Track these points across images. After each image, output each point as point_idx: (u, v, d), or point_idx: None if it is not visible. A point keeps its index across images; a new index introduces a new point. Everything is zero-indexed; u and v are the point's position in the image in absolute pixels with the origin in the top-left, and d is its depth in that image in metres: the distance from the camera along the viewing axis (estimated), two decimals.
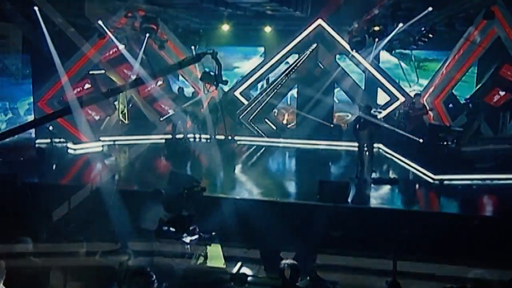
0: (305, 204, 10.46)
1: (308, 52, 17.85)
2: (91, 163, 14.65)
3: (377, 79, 17.85)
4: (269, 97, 17.94)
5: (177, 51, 18.01)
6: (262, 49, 20.65)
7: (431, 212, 10.56)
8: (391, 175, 13.67)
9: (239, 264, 7.65)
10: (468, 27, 15.77)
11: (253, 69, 18.98)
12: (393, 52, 17.83)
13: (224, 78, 6.51)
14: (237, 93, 18.43)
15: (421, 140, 14.39)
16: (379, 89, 18.43)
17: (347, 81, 18.37)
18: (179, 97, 17.48)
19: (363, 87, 18.63)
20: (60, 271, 6.01)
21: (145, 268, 6.02)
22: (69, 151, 15.72)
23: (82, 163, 14.74)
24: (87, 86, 17.29)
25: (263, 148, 17.12)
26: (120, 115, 19.05)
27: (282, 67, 18.93)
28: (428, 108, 16.37)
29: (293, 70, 18.04)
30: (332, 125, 18.53)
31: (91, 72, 17.27)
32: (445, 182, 12.32)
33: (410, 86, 20.25)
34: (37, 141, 15.76)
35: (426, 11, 13.69)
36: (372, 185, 12.26)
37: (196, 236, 7.86)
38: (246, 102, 18.49)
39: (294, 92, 19.78)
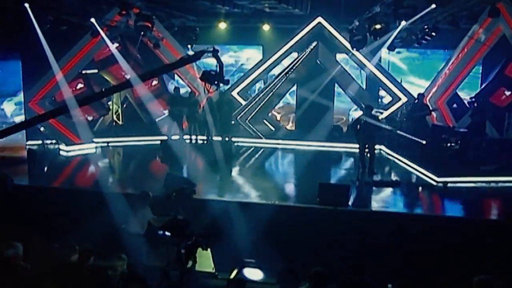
0: (304, 207, 10.43)
1: (307, 51, 17.86)
2: (84, 165, 14.64)
3: (378, 78, 17.86)
4: (268, 97, 17.94)
5: (172, 50, 18.00)
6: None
7: (434, 215, 10.54)
8: (393, 177, 13.65)
9: (235, 270, 7.62)
10: (472, 25, 15.77)
11: (251, 69, 18.98)
12: (395, 50, 17.79)
13: (225, 78, 6.43)
14: (234, 93, 18.42)
15: (424, 142, 14.40)
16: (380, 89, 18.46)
17: (348, 80, 18.38)
18: (175, 97, 17.46)
19: (364, 87, 18.63)
20: (51, 277, 5.99)
21: (140, 273, 6.04)
22: (61, 153, 15.70)
23: (74, 165, 14.72)
24: (79, 86, 17.29)
25: (261, 150, 17.12)
26: (114, 116, 19.04)
27: (281, 66, 18.95)
28: (431, 108, 16.37)
29: (292, 69, 18.05)
30: (332, 126, 18.55)
31: (83, 72, 17.26)
32: (449, 184, 12.32)
33: None
34: (28, 142, 15.74)
35: (429, 9, 13.69)
36: (374, 188, 12.25)
37: (192, 240, 7.83)
38: (243, 102, 18.49)
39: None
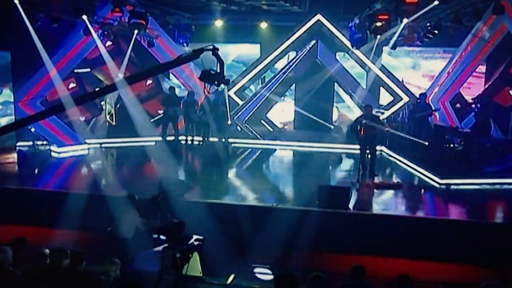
0: (303, 210, 10.41)
1: (306, 49, 17.86)
2: (76, 167, 14.61)
3: (379, 77, 17.87)
4: (265, 97, 17.93)
5: (167, 49, 17.98)
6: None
7: (437, 218, 10.53)
8: (395, 179, 13.64)
9: (232, 275, 7.62)
10: (476, 23, 15.78)
11: (248, 67, 18.97)
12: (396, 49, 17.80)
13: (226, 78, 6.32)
14: (231, 93, 18.41)
15: (426, 143, 14.40)
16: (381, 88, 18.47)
17: (348, 80, 18.39)
18: (170, 97, 17.44)
19: (364, 86, 18.65)
20: (42, 282, 5.97)
21: (134, 279, 6.01)
22: (53, 154, 15.65)
23: (66, 167, 14.69)
24: (71, 85, 17.24)
25: (259, 151, 17.11)
26: (107, 116, 19.00)
27: (279, 65, 18.95)
28: (433, 108, 16.38)
29: (291, 68, 18.05)
30: (332, 126, 18.56)
31: (76, 71, 17.22)
32: (452, 186, 12.33)
33: None
34: (18, 143, 15.70)
35: (431, 5, 13.69)
36: (375, 190, 12.25)
37: (187, 244, 7.81)
38: (240, 102, 18.48)
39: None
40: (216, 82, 6.01)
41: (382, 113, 17.33)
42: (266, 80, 19.43)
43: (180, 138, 17.28)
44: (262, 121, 18.59)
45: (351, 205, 10.67)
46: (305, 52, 17.84)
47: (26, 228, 9.98)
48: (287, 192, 12.77)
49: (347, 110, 20.53)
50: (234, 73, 20.03)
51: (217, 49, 5.98)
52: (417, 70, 20.66)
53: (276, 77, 18.42)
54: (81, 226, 9.87)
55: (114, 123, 19.01)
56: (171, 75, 20.26)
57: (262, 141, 17.64)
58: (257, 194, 11.86)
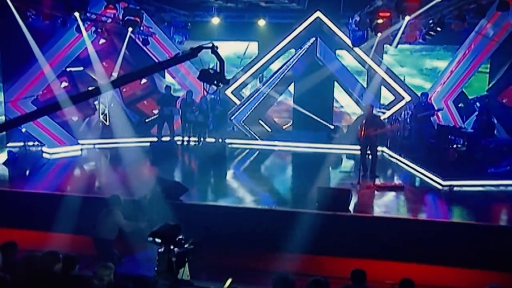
0: (302, 212, 10.40)
1: (305, 47, 17.87)
2: (69, 169, 14.58)
3: (380, 76, 17.88)
4: (263, 96, 17.93)
5: (163, 47, 17.97)
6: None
7: (439, 221, 10.52)
8: (396, 181, 13.66)
9: (229, 279, 7.60)
10: (480, 20, 15.77)
11: (246, 66, 18.97)
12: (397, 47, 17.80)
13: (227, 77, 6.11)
14: (228, 92, 18.40)
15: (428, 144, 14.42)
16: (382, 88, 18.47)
17: (348, 78, 18.39)
18: (166, 97, 17.42)
19: (365, 85, 18.66)
20: None
21: (128, 284, 5.99)
22: (44, 155, 15.62)
23: (58, 169, 14.66)
24: (64, 84, 17.22)
25: (257, 152, 17.11)
26: (101, 116, 18.97)
27: (278, 63, 18.95)
28: (436, 108, 16.38)
29: (290, 66, 18.05)
30: (332, 127, 18.56)
31: (68, 69, 17.20)
32: (455, 188, 12.32)
33: None
34: (9, 144, 15.66)
35: (434, 2, 13.68)
36: (376, 192, 12.25)
37: (183, 248, 7.79)
38: (238, 102, 18.48)
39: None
40: (215, 82, 5.96)
41: (383, 113, 17.33)
42: (264, 79, 19.43)
43: (176, 138, 17.27)
44: (260, 121, 18.59)
45: (351, 208, 10.66)
46: (304, 50, 17.85)
47: (17, 231, 9.95)
48: (286, 194, 12.76)
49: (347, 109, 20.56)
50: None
51: (217, 47, 5.90)
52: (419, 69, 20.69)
53: (275, 76, 18.42)
54: (74, 229, 9.85)
55: (107, 123, 18.98)
56: (166, 74, 20.21)
57: (260, 142, 17.64)
58: (255, 196, 11.86)
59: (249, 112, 17.81)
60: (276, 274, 5.87)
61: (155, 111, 18.51)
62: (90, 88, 15.32)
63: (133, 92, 18.92)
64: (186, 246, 7.18)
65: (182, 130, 17.37)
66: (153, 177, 12.17)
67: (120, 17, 15.51)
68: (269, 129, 18.83)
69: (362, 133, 12.91)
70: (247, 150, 17.25)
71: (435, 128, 15.88)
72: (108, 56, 17.99)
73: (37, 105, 15.32)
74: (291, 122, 20.19)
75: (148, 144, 16.86)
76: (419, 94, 16.96)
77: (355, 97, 18.45)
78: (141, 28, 16.37)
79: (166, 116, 16.93)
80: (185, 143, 17.36)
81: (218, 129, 16.97)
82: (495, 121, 16.24)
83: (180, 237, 7.19)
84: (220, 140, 16.85)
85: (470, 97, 18.37)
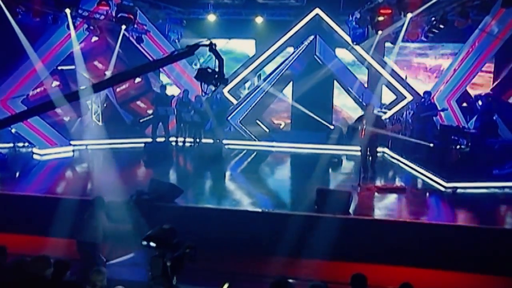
0: (301, 215, 10.41)
1: (304, 45, 17.87)
2: (60, 171, 14.56)
3: (381, 75, 17.89)
4: (261, 96, 17.93)
5: (157, 45, 17.97)
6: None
7: (442, 224, 10.53)
8: (398, 182, 13.67)
9: (226, 284, 7.60)
10: (484, 17, 15.79)
11: (243, 65, 18.97)
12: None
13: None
14: (224, 91, 18.39)
15: (431, 144, 14.41)
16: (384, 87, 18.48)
17: (348, 77, 18.40)
18: (160, 96, 17.40)
19: (365, 84, 18.67)
20: None
21: None
22: (35, 156, 15.59)
23: (49, 171, 14.64)
24: (55, 83, 17.20)
25: (254, 153, 17.11)
26: (93, 116, 18.97)
27: (275, 62, 18.94)
28: (439, 107, 16.39)
29: (288, 65, 18.05)
30: (332, 127, 18.57)
31: (59, 68, 17.18)
32: (459, 190, 12.33)
33: None
34: None
35: None
36: (376, 194, 12.25)
37: (179, 252, 7.79)
38: (235, 102, 18.47)
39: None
40: (214, 82, 5.85)
41: (385, 113, 17.34)
42: (262, 78, 19.43)
43: (171, 139, 17.26)
44: (258, 121, 18.59)
45: (351, 210, 10.67)
46: (303, 48, 17.85)
47: (6, 235, 9.91)
48: (284, 196, 12.77)
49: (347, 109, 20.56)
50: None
51: (215, 45, 5.80)
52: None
53: (272, 75, 18.41)
54: (65, 233, 9.81)
55: (100, 124, 18.98)
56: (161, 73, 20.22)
57: (257, 142, 17.64)
58: (252, 199, 11.86)
59: (246, 112, 17.80)
60: (274, 279, 5.86)
61: (150, 111, 18.50)
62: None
63: (126, 91, 18.90)
64: (181, 250, 7.18)
65: (177, 130, 17.36)
66: (147, 179, 12.15)
67: (113, 14, 15.49)
68: (267, 130, 18.83)
69: (363, 133, 12.92)
70: (244, 151, 17.26)
71: (438, 128, 15.89)
72: (101, 54, 18.00)
73: (27, 104, 15.29)
74: (290, 122, 20.19)
75: (143, 145, 16.84)
76: (421, 93, 16.96)
77: (355, 96, 18.45)
78: (135, 25, 16.36)
79: (161, 116, 16.92)
80: (181, 144, 17.34)
81: (214, 129, 16.97)
82: (499, 120, 16.23)
83: (176, 241, 7.19)
84: (217, 141, 16.85)
85: (474, 95, 18.32)
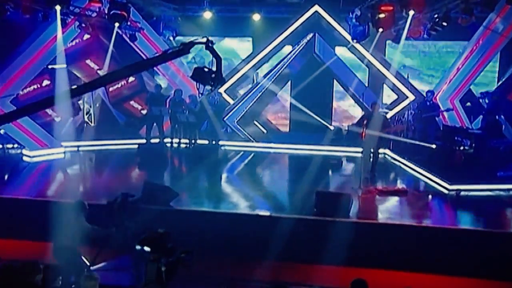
0: (300, 218, 10.40)
1: (303, 43, 17.86)
2: (51, 173, 14.53)
3: (382, 74, 17.89)
4: (258, 95, 17.92)
5: (151, 43, 17.95)
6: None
7: (445, 228, 10.53)
8: (399, 185, 13.66)
9: None
10: (489, 14, 15.79)
11: (240, 63, 18.96)
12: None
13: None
14: (221, 91, 18.38)
15: (434, 146, 14.42)
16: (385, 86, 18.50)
17: (348, 76, 18.40)
18: (155, 96, 17.38)
19: (366, 83, 18.67)
20: None
21: None
22: (24, 158, 15.56)
23: (39, 173, 14.61)
24: (45, 82, 17.16)
25: (252, 154, 17.10)
26: (85, 117, 18.93)
27: (274, 60, 18.93)
28: (441, 108, 16.39)
29: (286, 64, 18.04)
30: (332, 127, 18.58)
31: (50, 66, 17.15)
32: (462, 193, 12.33)
33: None
34: None
35: None
36: (377, 196, 12.25)
37: (173, 257, 7.78)
38: (231, 102, 18.46)
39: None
40: (210, 82, 5.72)
41: (386, 113, 17.33)
42: (259, 77, 19.43)
43: (165, 140, 17.25)
44: (255, 122, 18.58)
45: (352, 213, 10.65)
46: (302, 47, 17.84)
47: None
48: (282, 199, 12.75)
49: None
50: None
51: (212, 42, 5.70)
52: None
53: (270, 74, 18.41)
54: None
55: (92, 124, 18.94)
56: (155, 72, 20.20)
57: (255, 144, 17.63)
58: (249, 202, 11.85)
59: (243, 112, 17.77)
60: (272, 284, 5.86)
61: (144, 111, 18.48)
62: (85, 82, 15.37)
63: (119, 91, 18.87)
64: (176, 255, 7.17)
65: (171, 131, 17.34)
66: (141, 181, 12.13)
67: (106, 11, 15.46)
68: (265, 130, 18.82)
69: (364, 134, 12.92)
70: (241, 153, 17.25)
71: (441, 129, 15.89)
72: (93, 53, 17.95)
73: (16, 104, 15.24)
74: (288, 122, 20.18)
75: (136, 146, 16.81)
76: (423, 92, 16.98)
77: (355, 95, 18.45)
78: (128, 23, 16.33)
79: (156, 116, 16.90)
80: (175, 145, 17.33)
81: (210, 130, 16.95)
82: (504, 120, 16.26)
83: (170, 245, 7.18)
84: (213, 142, 16.83)
85: (479, 92, 18.27)
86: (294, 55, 17.95)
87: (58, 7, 14.36)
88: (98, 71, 17.44)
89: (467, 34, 17.01)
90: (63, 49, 16.24)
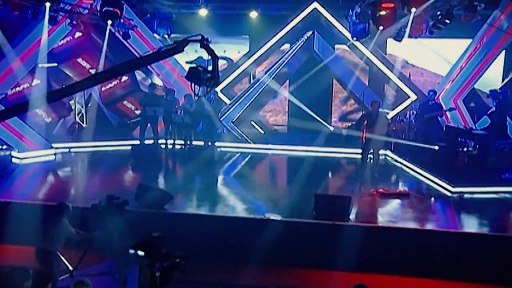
0: (298, 222, 10.40)
1: (302, 41, 17.87)
2: (41, 175, 14.50)
3: (383, 73, 17.89)
4: (256, 95, 17.91)
5: (145, 41, 17.93)
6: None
7: (448, 231, 10.53)
8: (401, 187, 13.68)
9: None
10: (493, 11, 15.81)
11: (237, 62, 18.96)
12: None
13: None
14: (217, 90, 18.36)
15: (436, 147, 14.43)
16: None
17: (348, 75, 18.41)
18: (149, 96, 17.36)
19: (366, 83, 18.69)
20: None
21: None
22: (14, 160, 15.53)
23: (29, 175, 14.58)
24: (36, 81, 17.14)
25: (249, 156, 17.09)
26: (77, 117, 18.91)
27: (272, 59, 18.94)
28: (444, 107, 16.40)
29: (285, 62, 18.05)
30: (332, 127, 18.58)
31: (40, 65, 17.12)
32: (466, 195, 12.34)
33: None
34: None
35: None
36: (378, 199, 12.25)
37: (168, 262, 7.77)
38: (228, 102, 18.45)
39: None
40: (206, 83, 5.63)
41: (387, 113, 17.35)
42: (257, 76, 19.43)
43: (160, 141, 17.23)
44: (252, 123, 18.56)
45: (351, 216, 10.66)
46: (301, 45, 17.84)
47: None
48: (280, 202, 12.69)
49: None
50: None
51: (207, 40, 5.62)
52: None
53: (268, 73, 18.40)
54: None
55: (84, 125, 18.91)
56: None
57: (252, 145, 17.62)
58: (246, 205, 11.83)
59: (240, 113, 17.76)
60: None
61: (137, 112, 18.45)
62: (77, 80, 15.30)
63: (112, 91, 18.85)
64: (171, 259, 7.16)
65: (165, 132, 17.32)
66: (134, 184, 12.12)
67: (98, 8, 15.42)
68: (262, 131, 18.81)
69: (364, 134, 12.93)
70: (238, 154, 17.24)
71: (443, 130, 15.90)
72: (85, 51, 17.92)
73: (5, 104, 15.21)
74: (286, 123, 20.18)
75: (130, 147, 16.78)
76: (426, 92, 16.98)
77: (355, 95, 18.47)
78: (121, 20, 16.31)
79: (150, 117, 16.87)
80: (170, 146, 17.31)
81: (206, 131, 16.94)
82: (509, 121, 16.27)
83: (165, 250, 7.17)
84: (209, 144, 16.81)
85: (488, 90, 18.26)
86: (293, 53, 17.94)
87: (48, 4, 14.32)
88: (90, 70, 17.40)
89: (471, 32, 16.99)
90: (46, 51, 16.18)
